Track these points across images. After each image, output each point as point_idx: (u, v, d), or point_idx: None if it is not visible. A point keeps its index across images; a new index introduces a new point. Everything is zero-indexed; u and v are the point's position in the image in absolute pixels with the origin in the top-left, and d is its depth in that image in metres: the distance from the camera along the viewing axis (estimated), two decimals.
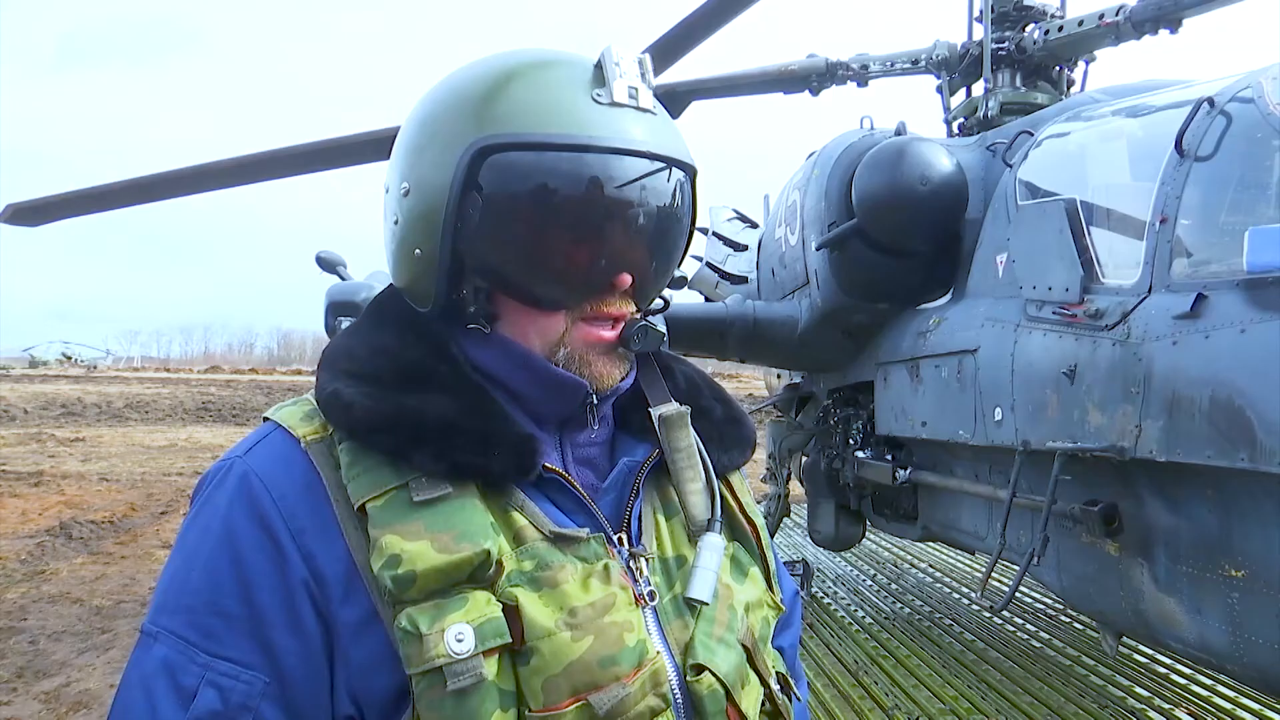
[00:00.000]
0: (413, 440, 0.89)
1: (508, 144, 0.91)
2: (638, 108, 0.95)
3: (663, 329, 1.02)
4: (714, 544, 0.98)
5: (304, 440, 0.91)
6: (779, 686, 1.05)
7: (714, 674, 0.93)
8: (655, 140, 0.95)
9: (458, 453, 0.90)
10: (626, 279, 0.96)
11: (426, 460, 0.89)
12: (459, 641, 0.81)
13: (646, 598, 0.94)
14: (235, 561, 0.86)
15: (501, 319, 0.98)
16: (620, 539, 0.96)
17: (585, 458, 1.03)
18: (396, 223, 0.99)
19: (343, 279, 5.16)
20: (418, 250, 0.96)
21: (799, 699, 1.11)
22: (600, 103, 0.93)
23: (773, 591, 1.10)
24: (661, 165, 0.96)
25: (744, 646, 0.99)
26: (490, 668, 0.83)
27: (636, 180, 0.94)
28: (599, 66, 0.95)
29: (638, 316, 1.00)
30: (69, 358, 62.91)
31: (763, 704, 1.02)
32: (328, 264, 5.26)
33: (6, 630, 6.06)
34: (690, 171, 1.01)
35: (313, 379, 0.99)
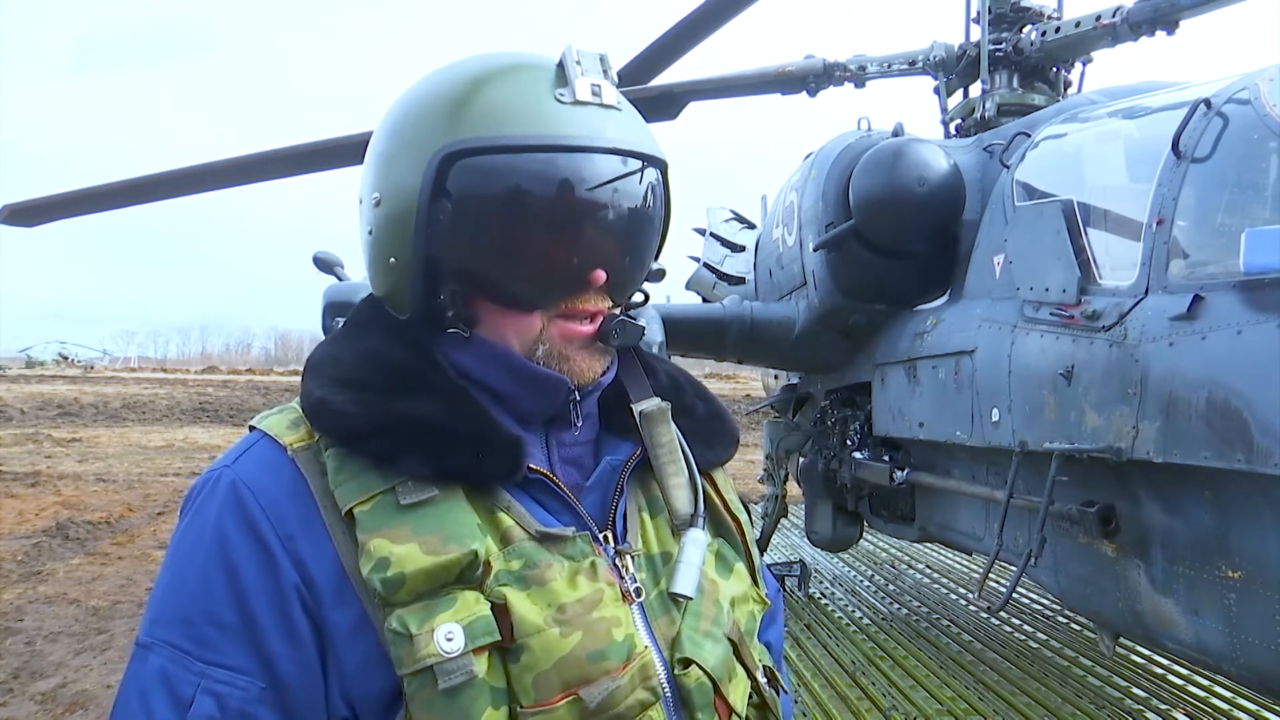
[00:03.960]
0: (402, 445, 0.90)
1: (472, 149, 0.92)
2: (601, 104, 0.96)
3: (643, 323, 1.02)
4: (697, 539, 0.99)
5: (290, 448, 0.92)
6: (766, 680, 1.06)
7: (701, 667, 0.95)
8: (620, 136, 0.96)
9: (446, 456, 0.90)
10: (601, 275, 0.96)
11: (415, 464, 0.89)
12: (449, 640, 0.83)
13: (633, 594, 0.95)
14: (228, 570, 0.86)
15: (480, 321, 0.99)
16: (606, 537, 0.97)
17: (571, 457, 1.04)
18: (370, 233, 1.00)
19: (340, 280, 5.14)
20: (392, 258, 0.97)
21: (785, 692, 1.12)
22: (563, 102, 0.94)
23: (758, 586, 1.11)
24: (629, 161, 0.97)
25: (730, 640, 1.00)
26: (481, 665, 0.84)
27: (604, 178, 0.95)
28: (561, 66, 0.96)
29: (616, 312, 1.01)
30: (66, 358, 62.78)
31: (750, 697, 1.03)
32: (325, 264, 5.24)
33: (3, 631, 6.06)
34: (660, 165, 1.02)
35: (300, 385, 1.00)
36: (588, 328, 0.99)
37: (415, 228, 0.93)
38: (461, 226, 0.93)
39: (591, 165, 0.94)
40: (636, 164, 0.97)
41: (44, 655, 5.60)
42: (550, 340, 0.98)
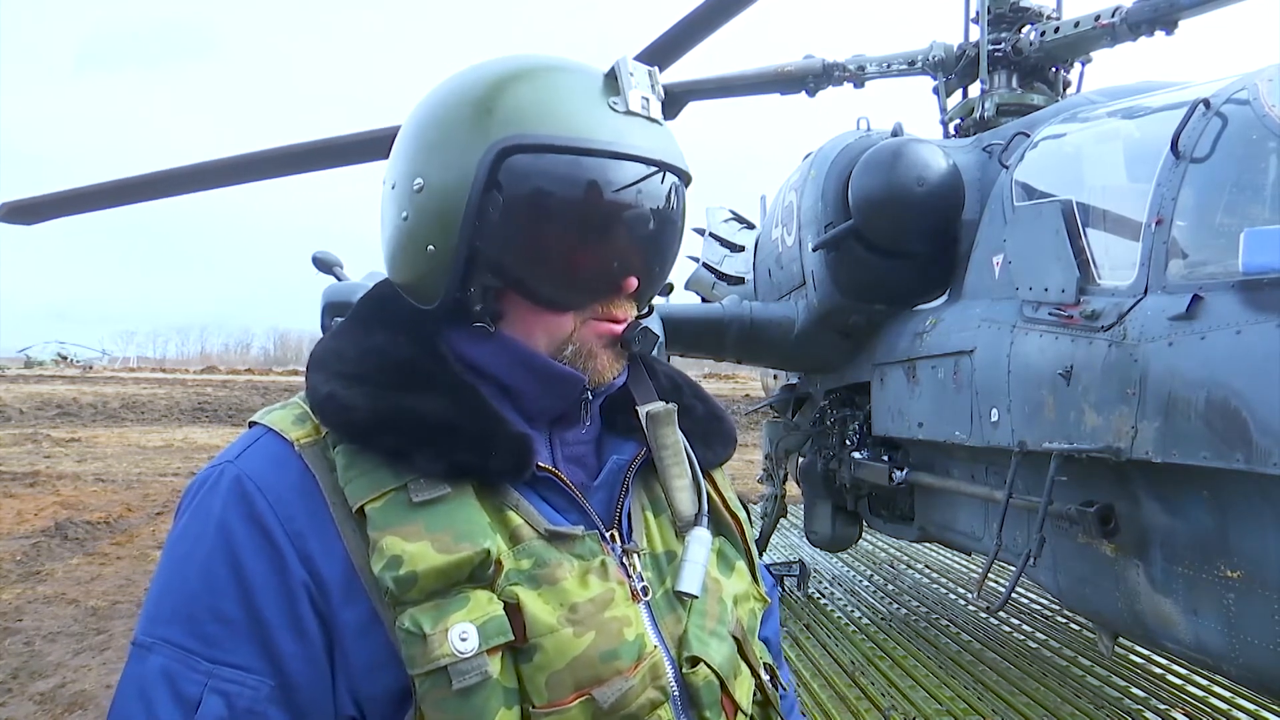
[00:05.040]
0: (413, 441, 0.89)
1: (532, 145, 0.92)
2: (648, 117, 0.97)
3: (657, 333, 1.04)
4: (701, 538, 1.00)
5: (297, 443, 0.91)
6: (768, 677, 1.07)
7: (709, 665, 0.95)
8: (666, 150, 0.98)
9: (456, 452, 0.90)
10: (634, 282, 0.98)
11: (427, 461, 0.89)
12: (463, 640, 0.82)
13: (641, 593, 0.96)
14: (233, 565, 0.85)
15: (506, 318, 0.98)
16: (613, 535, 0.98)
17: (574, 456, 1.03)
18: (406, 219, 0.98)
19: (339, 279, 5.14)
20: (431, 247, 0.95)
21: (785, 689, 1.13)
22: (616, 111, 0.95)
23: (757, 584, 1.12)
24: (675, 175, 0.99)
25: (735, 638, 1.01)
26: (495, 666, 0.83)
27: (654, 189, 0.96)
28: (612, 76, 0.97)
29: (637, 319, 1.02)
30: (65, 358, 62.78)
31: (754, 694, 1.03)
32: (324, 264, 5.25)
33: (2, 631, 6.05)
34: (689, 181, 1.04)
35: (305, 381, 0.99)
36: (619, 326, 1.00)
37: (463, 218, 0.92)
38: (512, 222, 0.92)
39: (645, 176, 0.95)
40: (676, 179, 1.00)
41: (43, 655, 5.59)
42: (581, 339, 0.98)
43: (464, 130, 0.94)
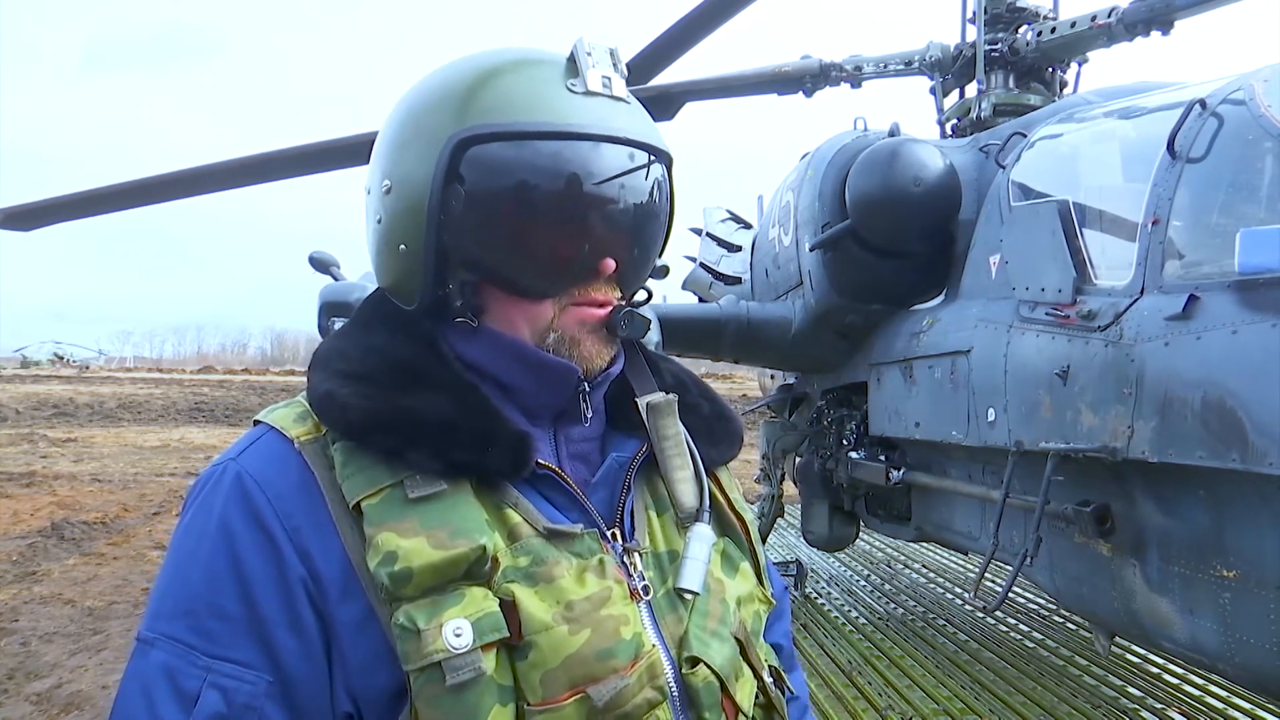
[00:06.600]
0: (409, 440, 0.89)
1: (486, 135, 0.92)
2: (611, 96, 0.97)
3: (649, 317, 1.03)
4: (703, 535, 0.99)
5: (297, 441, 0.92)
6: (772, 680, 1.06)
7: (709, 666, 0.95)
8: (631, 127, 0.97)
9: (454, 451, 0.90)
10: (610, 264, 0.97)
11: (422, 459, 0.89)
12: (457, 636, 0.82)
13: (641, 592, 0.95)
14: (233, 562, 0.86)
15: (488, 311, 0.98)
16: (614, 534, 0.97)
17: (578, 453, 1.03)
18: (380, 221, 1.00)
19: (336, 279, 5.16)
20: (402, 246, 0.97)
21: (791, 692, 1.12)
22: (575, 92, 0.95)
23: (763, 586, 1.11)
24: (639, 152, 0.98)
25: (737, 640, 1.00)
26: (489, 662, 0.83)
27: (619, 166, 0.96)
28: (572, 58, 0.97)
29: (624, 304, 1.02)
30: (61, 358, 62.79)
31: (756, 697, 1.03)
32: (321, 264, 5.26)
33: None
34: (667, 159, 1.03)
35: (305, 379, 0.99)
36: (601, 310, 0.99)
37: (428, 214, 0.93)
38: (475, 213, 0.93)
39: (603, 155, 0.95)
40: (646, 156, 0.98)
41: (39, 656, 5.58)
42: (563, 326, 0.98)
43: (424, 129, 0.95)
